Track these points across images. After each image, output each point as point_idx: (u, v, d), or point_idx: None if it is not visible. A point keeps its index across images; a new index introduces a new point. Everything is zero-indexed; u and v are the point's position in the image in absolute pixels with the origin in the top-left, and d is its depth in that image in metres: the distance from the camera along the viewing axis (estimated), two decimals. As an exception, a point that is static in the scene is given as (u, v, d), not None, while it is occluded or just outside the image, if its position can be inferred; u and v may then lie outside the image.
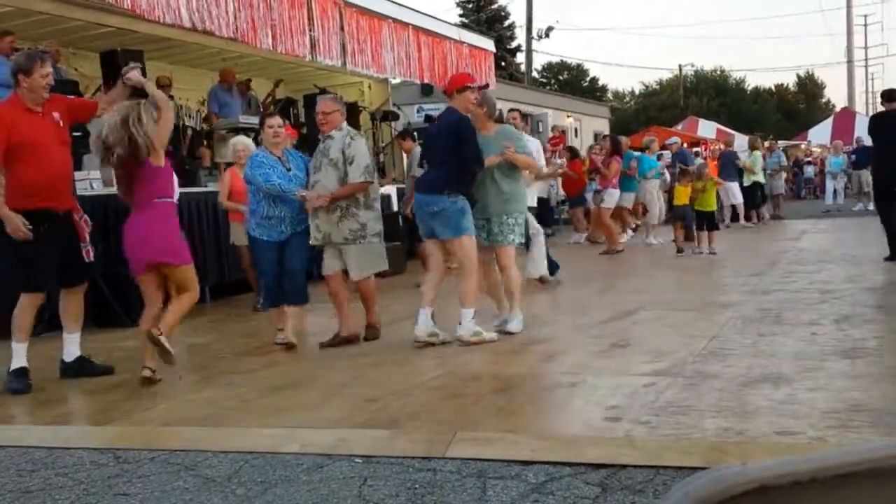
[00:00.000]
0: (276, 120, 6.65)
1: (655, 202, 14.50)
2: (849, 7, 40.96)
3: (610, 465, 3.45)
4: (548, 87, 48.09)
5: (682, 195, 12.17)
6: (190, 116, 12.21)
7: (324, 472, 3.59)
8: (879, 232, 10.06)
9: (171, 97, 11.11)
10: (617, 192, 13.22)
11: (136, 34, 10.07)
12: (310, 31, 10.10)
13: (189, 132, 11.45)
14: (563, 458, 3.57)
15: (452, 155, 5.98)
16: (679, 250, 11.91)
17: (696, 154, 20.48)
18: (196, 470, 3.72)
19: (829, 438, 3.59)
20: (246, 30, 9.10)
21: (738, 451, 3.51)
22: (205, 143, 11.55)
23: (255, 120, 11.54)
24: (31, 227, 5.33)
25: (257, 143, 11.58)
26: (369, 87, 14.71)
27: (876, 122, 10.69)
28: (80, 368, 5.78)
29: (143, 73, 10.09)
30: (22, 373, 5.49)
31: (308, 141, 9.55)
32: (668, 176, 16.25)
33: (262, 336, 7.00)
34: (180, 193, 8.26)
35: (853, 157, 20.58)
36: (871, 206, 16.72)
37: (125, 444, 4.21)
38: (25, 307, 5.55)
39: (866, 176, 19.36)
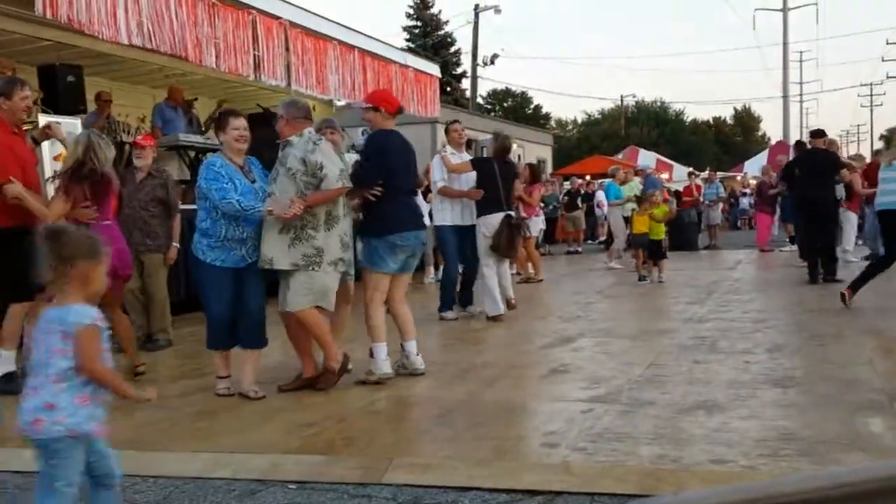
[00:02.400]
0: (242, 121, 5.58)
1: (622, 228, 14.66)
2: (785, 43, 42.17)
3: (546, 492, 3.45)
4: (492, 114, 48.53)
5: (641, 223, 12.21)
6: (128, 133, 12.01)
7: (256, 498, 3.52)
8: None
9: (108, 115, 10.95)
10: (540, 219, 13.33)
11: (76, 48, 9.89)
12: (254, 50, 10.03)
13: (127, 149, 11.24)
14: (500, 484, 3.56)
15: None
16: (641, 277, 12.08)
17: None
18: (124, 495, 3.61)
19: (760, 467, 3.64)
20: (189, 47, 8.99)
21: (672, 479, 3.54)
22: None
23: (195, 138, 11.43)
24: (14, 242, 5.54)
25: (198, 161, 11.47)
26: (314, 107, 14.62)
27: (803, 157, 11.73)
28: (8, 384, 5.61)
29: (82, 88, 9.96)
30: (12, 376, 5.56)
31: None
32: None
33: (197, 358, 6.87)
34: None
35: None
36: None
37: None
38: (17, 317, 5.66)
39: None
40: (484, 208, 8.50)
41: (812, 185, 10.92)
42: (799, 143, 15.07)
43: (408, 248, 5.75)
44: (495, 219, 8.44)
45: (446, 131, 9.30)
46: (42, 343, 2.81)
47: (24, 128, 6.43)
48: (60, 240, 2.88)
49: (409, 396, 5.23)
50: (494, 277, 8.51)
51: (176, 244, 7.52)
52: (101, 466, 2.95)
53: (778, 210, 17.43)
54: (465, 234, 8.69)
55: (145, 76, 11.92)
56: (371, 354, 5.70)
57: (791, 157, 14.76)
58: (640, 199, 13.51)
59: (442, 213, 8.79)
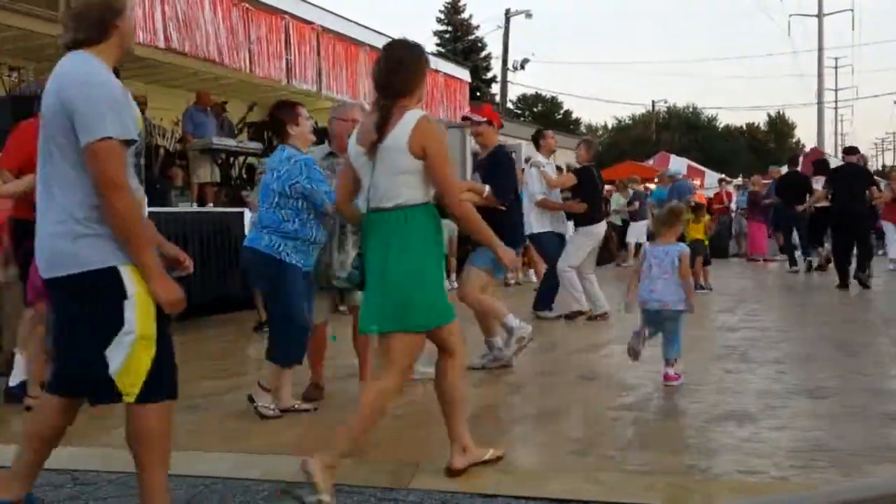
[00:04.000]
0: (305, 109, 5.36)
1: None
2: (820, 50, 41.76)
3: (573, 500, 3.45)
4: (522, 119, 48.47)
5: (696, 231, 11.55)
6: (163, 136, 12.14)
7: (284, 499, 3.54)
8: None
9: (145, 116, 11.07)
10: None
11: (111, 52, 10.01)
12: (286, 54, 10.12)
13: (161, 152, 11.38)
14: (526, 492, 3.56)
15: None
16: (699, 286, 11.08)
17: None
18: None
19: (791, 478, 3.60)
20: (223, 52, 9.09)
21: (701, 489, 3.52)
22: (177, 162, 11.48)
23: (227, 141, 11.53)
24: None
25: (229, 164, 11.59)
26: (344, 112, 14.72)
27: (835, 173, 12.53)
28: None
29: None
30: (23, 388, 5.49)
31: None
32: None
33: (227, 359, 6.93)
34: (150, 214, 8.23)
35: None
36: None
37: (84, 465, 4.13)
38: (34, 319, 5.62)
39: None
40: (587, 217, 8.84)
41: (848, 199, 11.55)
42: (792, 174, 15.67)
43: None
44: (601, 228, 8.98)
45: (536, 140, 9.33)
46: None
47: None
48: None
49: (434, 401, 5.22)
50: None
51: None
52: None
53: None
54: (561, 242, 9.08)
55: (180, 80, 12.04)
56: (507, 330, 6.12)
57: (796, 173, 15.79)
58: (695, 208, 12.99)
59: (542, 222, 8.99)
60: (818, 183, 14.36)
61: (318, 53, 10.76)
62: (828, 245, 14.15)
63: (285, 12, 10.16)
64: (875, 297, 10.74)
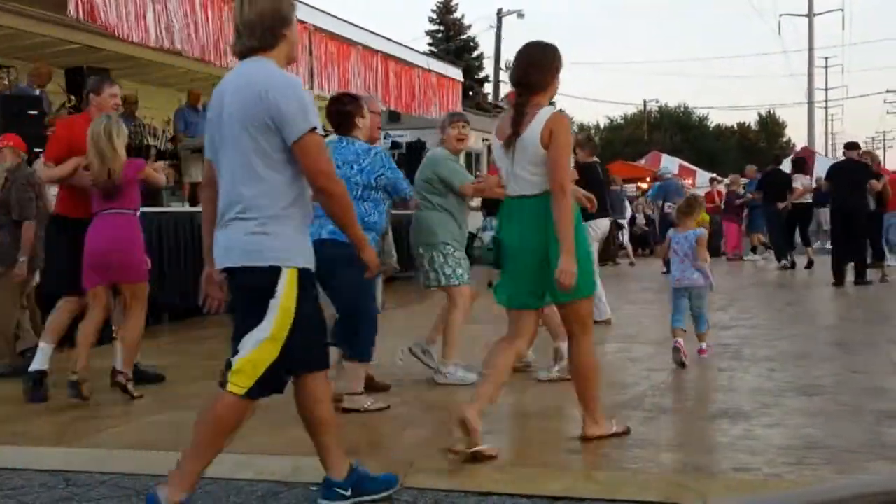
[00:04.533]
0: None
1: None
2: (810, 49, 41.88)
3: (568, 498, 3.44)
4: (514, 118, 48.41)
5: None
6: (154, 136, 12.11)
7: (279, 499, 3.54)
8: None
9: (135, 116, 11.04)
10: None
11: (103, 52, 10.00)
12: (279, 54, 10.09)
13: (153, 151, 11.34)
14: (522, 490, 3.56)
15: None
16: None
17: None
18: (146, 494, 3.64)
19: (785, 475, 3.61)
20: (214, 51, 9.06)
21: (696, 487, 3.52)
22: (169, 162, 11.44)
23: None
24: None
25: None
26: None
27: (835, 168, 12.56)
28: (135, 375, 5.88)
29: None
30: (41, 376, 5.58)
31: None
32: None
33: (221, 359, 6.91)
34: (143, 212, 8.19)
35: (812, 194, 20.94)
36: (829, 244, 17.35)
37: (76, 466, 4.12)
38: (66, 310, 5.72)
39: (825, 214, 19.78)
40: (591, 213, 8.62)
41: (847, 195, 11.66)
42: (773, 171, 15.89)
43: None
44: (605, 223, 8.39)
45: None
46: None
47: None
48: None
49: (431, 401, 5.22)
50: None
51: (23, 258, 6.44)
52: None
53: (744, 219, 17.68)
54: None
55: (172, 79, 12.02)
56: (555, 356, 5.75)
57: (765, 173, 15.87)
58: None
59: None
60: (797, 181, 15.17)
61: (310, 52, 10.73)
62: (818, 244, 14.29)
63: (277, 11, 10.15)
64: (870, 295, 10.77)
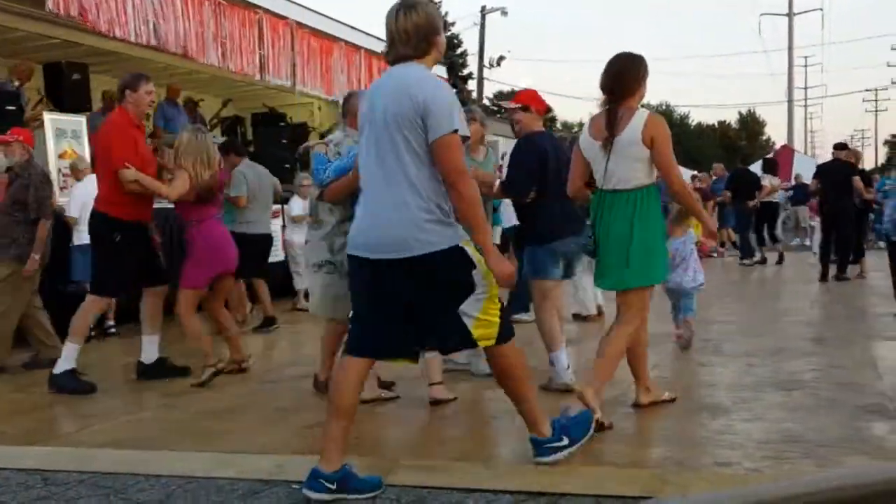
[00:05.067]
0: None
1: None
2: (790, 48, 42.15)
3: (551, 493, 3.44)
4: (498, 115, 48.46)
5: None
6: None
7: (260, 498, 3.52)
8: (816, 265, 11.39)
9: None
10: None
11: (82, 47, 9.90)
12: (260, 49, 10.05)
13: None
14: (505, 486, 3.55)
15: None
16: None
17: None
18: (126, 494, 3.62)
19: (764, 470, 3.63)
20: (195, 46, 9.01)
21: (677, 481, 3.53)
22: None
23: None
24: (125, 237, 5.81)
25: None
26: (319, 108, 14.65)
27: (822, 168, 12.95)
28: (159, 370, 6.09)
29: (87, 86, 9.97)
30: (73, 373, 5.70)
31: (259, 160, 9.41)
32: None
33: (199, 357, 6.88)
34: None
35: (791, 193, 21.11)
36: (808, 241, 17.52)
37: (55, 465, 4.07)
38: (91, 310, 5.90)
39: (803, 212, 19.97)
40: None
41: (834, 195, 11.96)
42: (743, 171, 16.59)
43: (568, 253, 5.40)
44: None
45: None
46: None
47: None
48: None
49: (414, 398, 5.21)
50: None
51: (36, 255, 6.51)
52: None
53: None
54: None
55: (151, 74, 11.90)
56: (551, 363, 5.42)
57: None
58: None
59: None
60: (766, 180, 15.56)
61: (293, 48, 10.69)
62: (796, 241, 14.44)
63: (259, 7, 10.08)
64: (848, 291, 10.86)
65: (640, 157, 4.31)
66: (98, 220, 5.86)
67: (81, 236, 7.48)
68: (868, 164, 67.10)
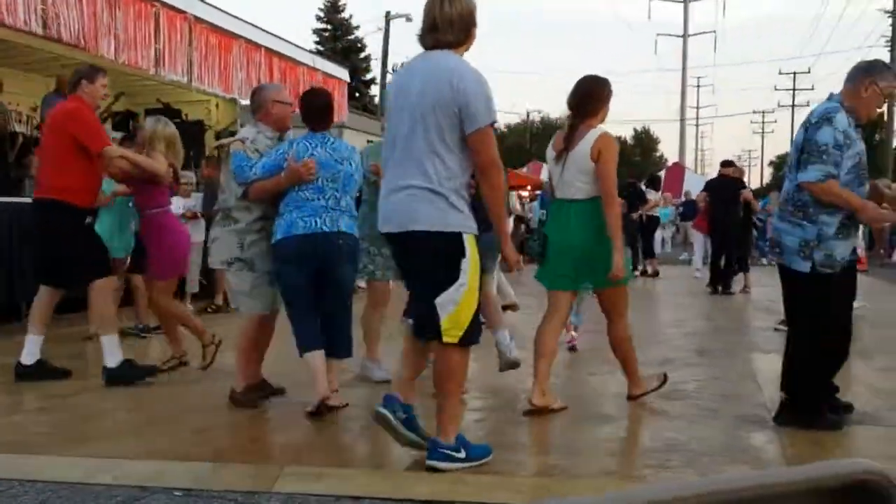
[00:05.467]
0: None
1: None
2: (684, 69, 43.63)
3: (440, 502, 3.44)
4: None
5: None
6: (20, 122, 11.50)
7: (139, 505, 3.40)
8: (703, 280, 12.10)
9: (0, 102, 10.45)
10: None
11: (-36, 32, 9.42)
12: (156, 44, 9.77)
13: (19, 139, 10.77)
14: (394, 494, 3.53)
15: None
16: None
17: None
18: (-3, 501, 3.45)
19: (647, 477, 3.72)
20: (88, 37, 8.70)
21: (563, 489, 3.58)
22: (34, 150, 10.88)
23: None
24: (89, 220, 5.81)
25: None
26: (217, 105, 14.34)
27: (710, 184, 13.74)
28: (39, 371, 5.84)
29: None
30: (131, 364, 5.72)
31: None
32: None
33: (80, 359, 6.63)
34: (1, 203, 7.78)
35: (681, 209, 21.86)
36: (692, 255, 18.34)
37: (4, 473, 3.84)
38: (108, 296, 5.88)
39: (689, 227, 20.74)
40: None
41: (722, 210, 12.56)
42: (630, 184, 16.81)
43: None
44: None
45: None
46: None
47: None
48: None
49: (301, 404, 5.13)
50: None
51: None
52: None
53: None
54: None
55: (40, 64, 11.44)
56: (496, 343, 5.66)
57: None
58: None
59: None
60: (650, 195, 16.64)
61: (190, 44, 10.44)
62: (684, 255, 14.97)
63: (156, 0, 9.82)
64: (735, 304, 11.27)
65: (588, 169, 4.65)
66: (64, 209, 5.62)
67: None
68: (754, 183, 69.99)
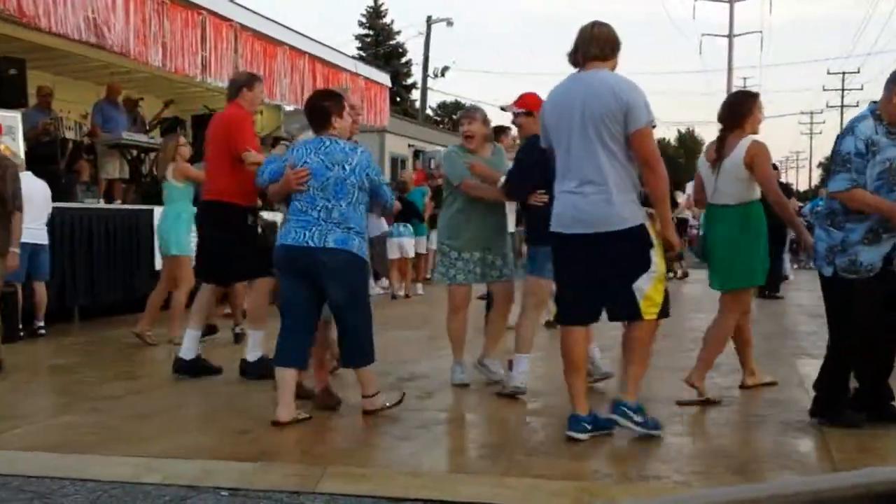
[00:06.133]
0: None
1: None
2: (729, 69, 43.13)
3: (481, 504, 3.45)
4: (441, 126, 48.66)
5: None
6: (70, 129, 11.75)
7: (187, 504, 3.46)
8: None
9: (51, 109, 10.68)
10: None
11: (19, 42, 9.66)
12: (202, 51, 9.92)
13: (70, 145, 11.01)
14: (436, 495, 3.55)
15: None
16: None
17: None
18: (51, 499, 3.53)
19: (692, 483, 3.68)
20: (136, 45, 8.86)
21: (606, 493, 3.57)
22: (85, 157, 11.11)
23: (138, 136, 11.22)
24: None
25: (139, 160, 11.27)
26: (261, 112, 14.51)
27: None
28: (195, 367, 5.99)
29: (24, 82, 9.73)
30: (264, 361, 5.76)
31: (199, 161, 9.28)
32: None
33: (130, 360, 6.75)
34: (54, 208, 7.95)
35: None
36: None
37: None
38: (265, 294, 6.06)
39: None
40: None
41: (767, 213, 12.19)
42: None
43: None
44: None
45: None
46: None
47: None
48: None
49: (344, 405, 5.17)
50: None
51: (15, 249, 6.34)
52: None
53: None
54: None
55: (90, 72, 11.69)
56: (510, 367, 5.49)
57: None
58: None
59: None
60: (680, 197, 16.57)
61: (236, 51, 10.58)
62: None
63: (202, 8, 9.96)
64: (780, 309, 11.11)
65: (742, 177, 5.03)
66: (226, 210, 5.91)
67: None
68: (802, 185, 68.85)
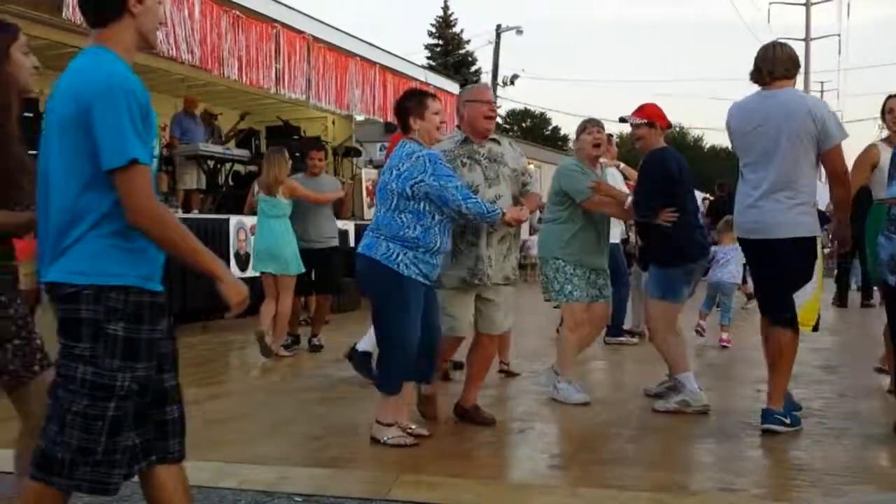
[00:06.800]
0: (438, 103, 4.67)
1: None
2: (807, 73, 42.09)
3: (553, 514, 3.43)
4: (510, 134, 48.62)
5: None
6: (150, 141, 12.06)
7: (262, 509, 3.52)
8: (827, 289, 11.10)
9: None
10: None
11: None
12: (276, 63, 10.11)
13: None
14: (506, 504, 3.54)
15: None
16: None
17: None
18: (130, 501, 3.62)
19: (770, 497, 3.60)
20: (211, 59, 9.08)
21: (679, 505, 3.51)
22: (163, 168, 11.43)
23: (215, 148, 11.49)
24: None
25: (216, 170, 11.54)
26: (333, 122, 14.73)
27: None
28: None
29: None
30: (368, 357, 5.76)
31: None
32: None
33: (208, 366, 6.89)
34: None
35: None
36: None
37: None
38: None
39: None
40: None
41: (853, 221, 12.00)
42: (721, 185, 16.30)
43: (695, 275, 5.49)
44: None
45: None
46: None
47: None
48: None
49: (415, 413, 5.20)
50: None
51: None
52: None
53: None
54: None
55: (168, 85, 12.01)
56: (681, 384, 5.27)
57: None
58: None
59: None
60: None
61: (308, 63, 10.76)
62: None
63: (276, 21, 10.16)
64: (865, 318, 10.80)
65: None
66: None
67: None
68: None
